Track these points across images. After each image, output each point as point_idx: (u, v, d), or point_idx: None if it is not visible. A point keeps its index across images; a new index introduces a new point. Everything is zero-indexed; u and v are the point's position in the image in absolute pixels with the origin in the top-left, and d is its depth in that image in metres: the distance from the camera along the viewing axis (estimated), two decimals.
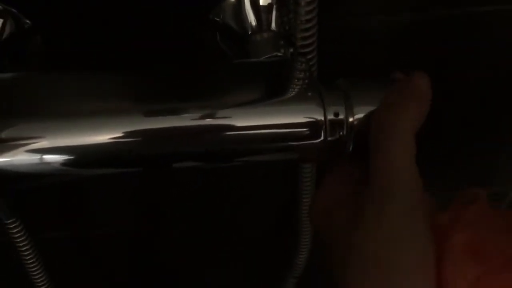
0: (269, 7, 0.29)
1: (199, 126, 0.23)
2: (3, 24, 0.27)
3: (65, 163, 0.22)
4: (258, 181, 0.45)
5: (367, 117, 0.24)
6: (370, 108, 0.24)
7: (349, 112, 0.24)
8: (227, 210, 0.48)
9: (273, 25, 0.29)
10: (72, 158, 0.22)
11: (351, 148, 0.25)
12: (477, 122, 0.44)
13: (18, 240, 0.33)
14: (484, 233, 0.23)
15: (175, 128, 0.23)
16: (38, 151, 0.22)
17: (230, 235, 0.51)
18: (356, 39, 0.33)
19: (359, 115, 0.24)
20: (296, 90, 0.25)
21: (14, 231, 0.32)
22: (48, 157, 0.22)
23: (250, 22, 0.29)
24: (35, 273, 0.35)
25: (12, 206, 0.32)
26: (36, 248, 0.34)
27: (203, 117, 0.23)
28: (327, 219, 0.24)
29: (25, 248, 0.33)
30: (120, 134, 0.22)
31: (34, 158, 0.22)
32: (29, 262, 0.35)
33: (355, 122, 0.24)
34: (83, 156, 0.22)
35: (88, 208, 0.45)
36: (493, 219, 0.24)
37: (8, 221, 0.32)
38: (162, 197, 0.46)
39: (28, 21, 0.27)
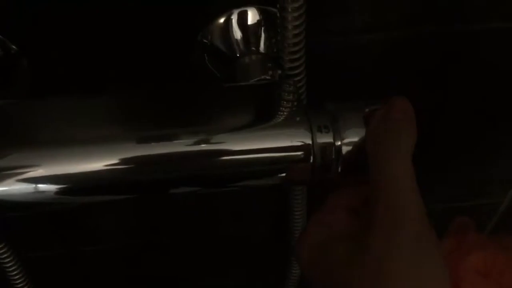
0: (257, 29, 0.29)
1: (190, 152, 0.23)
2: None
3: (58, 192, 0.22)
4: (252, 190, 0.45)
5: (357, 143, 0.24)
6: (358, 131, 0.24)
7: (337, 135, 0.24)
8: (221, 221, 0.48)
9: (262, 46, 0.29)
10: (65, 187, 0.22)
11: (339, 171, 0.25)
12: (468, 134, 0.45)
13: (5, 261, 0.32)
14: (490, 254, 0.23)
15: (166, 154, 0.23)
16: (32, 180, 0.22)
17: (224, 245, 0.51)
18: (345, 59, 0.33)
19: (348, 139, 0.24)
20: (284, 114, 0.25)
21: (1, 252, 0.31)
22: (41, 186, 0.22)
23: (238, 44, 0.29)
24: None
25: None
26: (24, 267, 0.34)
27: (194, 144, 0.23)
28: (321, 256, 0.23)
29: (12, 268, 0.33)
30: (114, 161, 0.22)
31: (28, 187, 0.22)
32: (17, 282, 0.34)
33: (343, 146, 0.24)
34: (76, 185, 0.22)
35: (80, 224, 0.45)
36: (491, 242, 0.24)
37: None
38: (156, 209, 0.46)
39: (14, 47, 0.27)
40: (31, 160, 0.22)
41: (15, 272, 0.34)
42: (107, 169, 0.22)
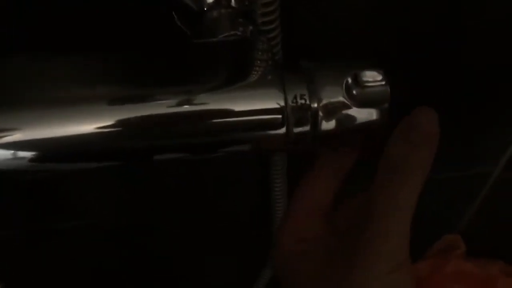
0: None
1: (163, 114, 0.21)
2: None
3: (36, 158, 0.21)
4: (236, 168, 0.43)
5: (334, 104, 0.22)
6: (336, 91, 0.21)
7: (313, 96, 0.22)
8: (207, 198, 0.46)
9: (233, 0, 0.26)
10: (43, 152, 0.21)
11: (316, 137, 0.22)
12: (456, 104, 0.43)
13: None
14: (467, 285, 0.23)
15: (139, 117, 0.21)
16: (8, 146, 0.20)
17: (212, 225, 0.49)
18: (325, 13, 0.30)
19: (325, 101, 0.22)
20: (256, 73, 0.23)
21: None
22: (17, 152, 0.20)
23: None
24: None
25: None
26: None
27: (166, 106, 0.21)
28: (293, 265, 0.22)
29: None
30: (91, 125, 0.21)
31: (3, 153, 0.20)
32: None
33: (320, 109, 0.22)
34: (53, 150, 0.21)
35: (62, 199, 0.43)
36: (472, 270, 0.24)
37: None
38: (141, 187, 0.44)
39: None
40: (4, 124, 0.20)
41: None
42: (87, 134, 0.21)
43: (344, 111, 0.22)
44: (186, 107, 0.21)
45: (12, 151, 0.20)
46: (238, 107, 0.22)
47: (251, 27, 0.25)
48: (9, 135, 0.20)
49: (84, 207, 0.44)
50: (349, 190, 0.25)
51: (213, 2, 0.26)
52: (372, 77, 0.21)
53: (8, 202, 0.41)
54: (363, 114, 0.22)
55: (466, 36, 0.37)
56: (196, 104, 0.21)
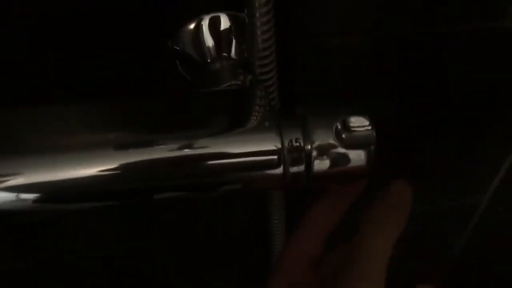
0: (228, 35, 0.29)
1: (164, 158, 0.23)
2: None
3: (40, 200, 0.22)
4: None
5: (326, 147, 0.24)
6: (327, 134, 0.24)
7: (307, 139, 0.24)
8: (202, 220, 0.48)
9: (232, 52, 0.29)
10: (47, 195, 0.22)
11: (310, 175, 0.25)
12: (444, 138, 0.45)
13: None
14: None
15: (142, 161, 0.23)
16: (11, 189, 0.21)
17: (208, 243, 0.51)
18: (318, 62, 0.33)
19: (317, 143, 0.24)
20: (255, 119, 0.25)
21: None
22: (22, 194, 0.21)
23: (209, 50, 0.29)
24: None
25: None
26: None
27: (168, 150, 0.23)
28: None
29: None
30: (93, 169, 0.22)
31: (8, 195, 0.21)
32: None
33: (313, 150, 0.24)
34: (59, 193, 0.22)
35: (58, 235, 0.44)
36: None
37: None
38: (140, 216, 0.45)
39: None
40: (10, 168, 0.21)
41: None
42: (88, 177, 0.22)
43: (335, 153, 0.24)
44: (188, 151, 0.23)
45: (17, 193, 0.21)
46: (239, 150, 0.24)
47: (250, 77, 0.27)
48: (16, 179, 0.21)
49: (81, 240, 0.45)
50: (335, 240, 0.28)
51: (215, 55, 0.29)
52: (359, 122, 0.24)
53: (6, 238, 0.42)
54: (352, 155, 0.24)
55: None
56: (198, 148, 0.23)
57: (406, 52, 0.35)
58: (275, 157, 0.24)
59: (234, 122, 0.25)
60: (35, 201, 0.22)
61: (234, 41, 0.29)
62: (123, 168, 0.22)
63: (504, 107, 0.44)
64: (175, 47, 0.29)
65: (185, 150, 0.23)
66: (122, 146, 0.23)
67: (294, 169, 0.24)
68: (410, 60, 0.36)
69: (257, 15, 0.24)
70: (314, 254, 0.27)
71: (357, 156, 0.24)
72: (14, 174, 0.21)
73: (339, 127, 0.24)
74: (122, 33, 0.29)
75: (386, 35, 0.33)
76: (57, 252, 0.45)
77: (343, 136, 0.24)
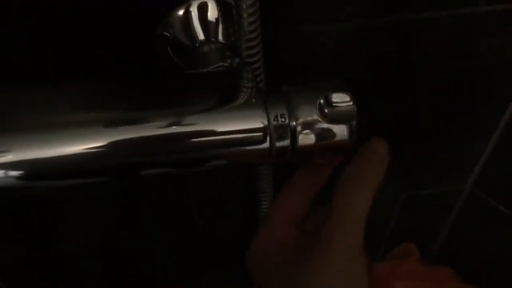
0: (215, 20, 0.30)
1: (153, 135, 0.24)
2: None
3: (30, 177, 0.22)
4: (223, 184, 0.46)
5: (310, 122, 0.25)
6: (311, 110, 0.25)
7: (292, 115, 0.25)
8: (196, 216, 0.49)
9: (220, 37, 0.30)
10: (38, 171, 0.22)
11: (296, 150, 0.26)
12: (427, 126, 0.46)
13: None
14: (418, 283, 0.27)
15: (131, 139, 0.23)
16: (3, 166, 0.22)
17: (201, 241, 0.52)
18: (304, 46, 0.34)
19: (302, 119, 0.25)
20: (242, 97, 0.26)
21: None
22: (14, 171, 0.22)
23: (198, 35, 0.30)
24: None
25: None
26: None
27: (156, 127, 0.24)
28: (264, 263, 0.26)
29: None
30: (83, 146, 0.23)
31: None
32: None
33: (298, 126, 0.25)
34: (49, 169, 0.23)
35: (55, 222, 0.45)
36: (427, 273, 0.28)
37: None
38: (138, 208, 0.46)
39: None
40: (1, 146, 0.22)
41: None
42: (77, 153, 0.22)
43: (318, 128, 0.25)
44: (178, 128, 0.24)
45: (10, 170, 0.22)
46: (227, 126, 0.25)
47: (237, 60, 0.28)
48: (5, 156, 0.22)
49: (74, 230, 0.46)
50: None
51: (203, 38, 0.30)
52: (341, 98, 0.25)
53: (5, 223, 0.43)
54: (335, 129, 0.25)
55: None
56: (187, 125, 0.24)
57: (385, 39, 0.37)
58: (261, 133, 0.25)
59: (222, 100, 0.26)
60: (24, 177, 0.22)
61: (221, 25, 0.30)
62: (113, 145, 0.23)
63: (486, 94, 0.45)
64: (165, 33, 0.30)
65: (175, 126, 0.24)
66: (111, 123, 0.23)
67: (280, 143, 0.25)
68: (389, 47, 0.38)
69: None
70: (300, 212, 0.28)
71: (340, 131, 0.25)
72: (4, 151, 0.22)
73: (322, 102, 0.25)
74: (114, 22, 0.30)
75: (364, 22, 0.35)
76: (56, 239, 0.46)
77: (326, 111, 0.25)
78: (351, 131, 0.25)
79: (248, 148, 0.25)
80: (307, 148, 0.26)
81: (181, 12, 0.30)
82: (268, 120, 0.25)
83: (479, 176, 0.53)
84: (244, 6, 0.26)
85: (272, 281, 0.25)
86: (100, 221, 0.46)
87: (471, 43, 0.40)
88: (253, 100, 0.25)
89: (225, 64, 0.28)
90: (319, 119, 0.25)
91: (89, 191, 0.42)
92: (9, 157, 0.22)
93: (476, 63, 0.42)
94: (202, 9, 0.30)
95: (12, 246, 0.44)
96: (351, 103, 0.25)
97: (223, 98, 0.26)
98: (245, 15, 0.26)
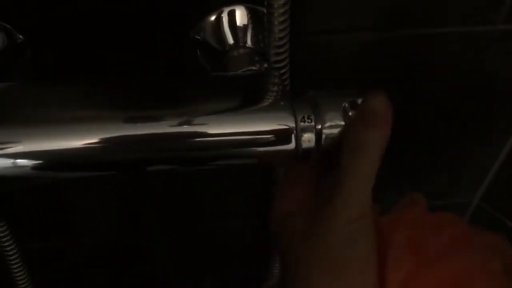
0: (245, 26, 0.31)
1: (176, 132, 0.24)
2: None
3: (42, 167, 0.23)
4: (236, 188, 0.46)
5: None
6: (337, 115, 0.26)
7: (318, 119, 0.26)
8: (206, 219, 0.49)
9: (249, 42, 0.32)
10: (49, 162, 0.23)
11: (319, 155, 0.27)
12: (436, 138, 0.47)
13: (5, 245, 0.33)
14: (420, 232, 0.27)
15: (148, 135, 0.24)
16: (11, 156, 0.22)
17: (210, 244, 0.52)
18: (326, 54, 0.36)
19: (328, 123, 0.26)
20: (269, 100, 0.27)
21: (1, 235, 0.33)
22: (24, 161, 0.22)
23: (228, 40, 0.31)
24: (20, 281, 0.36)
25: None
26: (22, 255, 0.35)
27: (179, 124, 0.24)
28: (284, 225, 0.27)
29: (11, 253, 0.34)
30: (94, 140, 0.23)
31: (7, 162, 0.22)
32: (15, 269, 0.35)
33: (324, 129, 0.26)
34: (58, 160, 0.23)
35: (69, 219, 0.46)
36: (427, 220, 0.28)
37: None
38: (143, 208, 0.47)
39: (20, 36, 0.29)
40: (12, 137, 0.22)
41: (16, 262, 0.35)
42: (87, 147, 0.23)
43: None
44: (205, 127, 0.25)
45: (17, 160, 0.22)
46: (255, 126, 0.26)
47: (265, 65, 0.30)
48: (15, 146, 0.22)
49: (79, 229, 0.46)
50: None
51: (233, 43, 0.31)
52: None
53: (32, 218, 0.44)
54: None
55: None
56: (215, 125, 0.25)
57: (405, 51, 0.38)
58: (288, 133, 0.26)
59: (250, 101, 0.27)
60: (34, 168, 0.23)
61: (251, 31, 0.32)
62: (132, 140, 0.23)
63: (496, 110, 0.46)
64: (196, 37, 0.32)
65: (203, 125, 0.25)
66: (131, 119, 0.24)
67: (305, 145, 0.26)
68: (406, 59, 0.39)
69: (276, 5, 0.27)
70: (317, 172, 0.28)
71: None
72: (13, 142, 0.22)
73: (347, 106, 0.26)
74: (149, 26, 0.31)
75: (387, 33, 0.36)
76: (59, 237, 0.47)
77: (351, 115, 0.26)
78: None
79: (274, 148, 0.26)
80: (330, 150, 0.27)
81: (213, 18, 0.31)
82: (296, 122, 0.26)
83: (487, 190, 0.53)
84: (276, 15, 0.27)
85: (292, 242, 0.26)
86: (106, 221, 0.46)
87: (483, 59, 0.41)
88: (282, 102, 0.27)
89: (253, 68, 0.30)
90: (344, 122, 0.26)
91: (95, 190, 0.43)
92: (19, 148, 0.22)
93: (487, 79, 0.43)
94: (233, 15, 0.31)
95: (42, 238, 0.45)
96: None
97: (251, 100, 0.27)
98: (276, 22, 0.28)
